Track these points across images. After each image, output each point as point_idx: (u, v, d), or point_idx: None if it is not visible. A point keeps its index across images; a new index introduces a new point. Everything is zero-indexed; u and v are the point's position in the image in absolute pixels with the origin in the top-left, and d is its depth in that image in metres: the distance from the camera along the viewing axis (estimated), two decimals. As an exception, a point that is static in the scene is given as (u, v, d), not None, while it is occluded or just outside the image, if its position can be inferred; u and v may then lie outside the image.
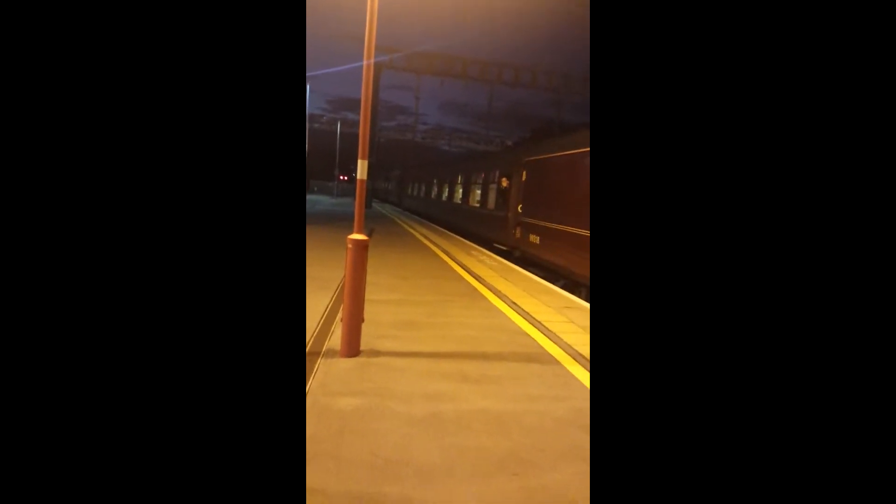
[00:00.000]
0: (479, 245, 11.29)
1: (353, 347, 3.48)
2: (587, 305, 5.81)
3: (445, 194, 17.44)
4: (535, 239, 9.01)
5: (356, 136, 3.54)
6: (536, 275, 7.89)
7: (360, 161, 3.52)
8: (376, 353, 3.58)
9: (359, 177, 3.54)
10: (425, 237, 12.42)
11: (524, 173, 9.71)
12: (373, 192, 28.74)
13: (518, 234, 9.75)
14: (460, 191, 15.20)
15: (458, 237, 13.08)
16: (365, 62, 3.44)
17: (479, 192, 13.23)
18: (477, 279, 6.96)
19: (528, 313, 5.17)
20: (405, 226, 15.72)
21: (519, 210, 9.75)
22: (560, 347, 4.06)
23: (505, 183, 10.69)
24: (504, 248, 10.52)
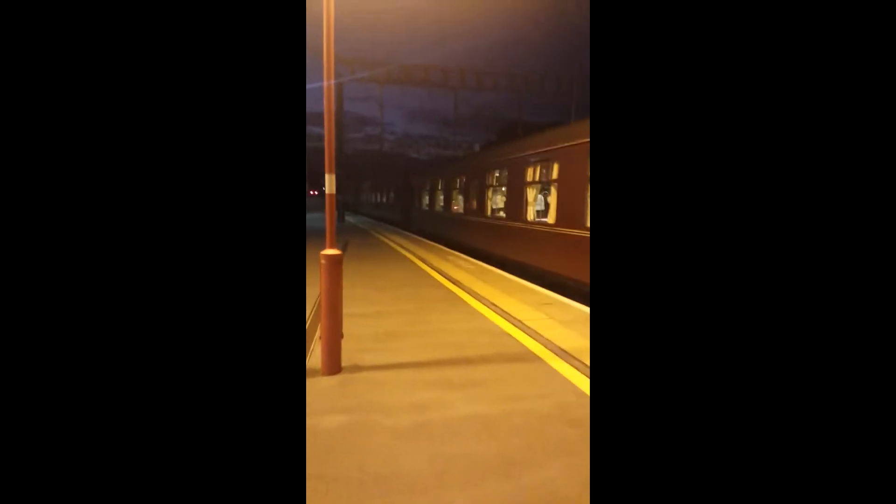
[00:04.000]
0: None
1: (334, 365, 3.44)
2: (565, 301, 5.87)
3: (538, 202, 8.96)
4: None
5: (323, 150, 3.51)
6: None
7: (327, 175, 3.49)
8: (358, 369, 3.54)
9: (327, 191, 3.51)
10: (401, 246, 12.37)
11: None
12: (344, 205, 28.50)
13: None
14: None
15: (434, 244, 12.96)
16: (325, 83, 3.42)
17: None
18: (455, 283, 6.97)
19: (507, 313, 5.19)
20: (379, 237, 15.64)
21: None
22: (541, 344, 4.09)
23: None
24: None
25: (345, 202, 29.94)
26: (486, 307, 5.50)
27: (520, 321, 4.87)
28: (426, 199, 16.38)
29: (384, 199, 25.82)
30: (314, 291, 6.01)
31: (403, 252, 11.09)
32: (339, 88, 24.03)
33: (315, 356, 3.71)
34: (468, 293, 6.29)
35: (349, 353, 3.80)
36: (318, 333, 3.97)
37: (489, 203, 10.62)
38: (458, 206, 12.68)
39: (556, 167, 7.64)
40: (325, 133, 3.44)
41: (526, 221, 8.59)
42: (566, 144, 7.34)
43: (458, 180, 12.80)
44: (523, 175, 8.68)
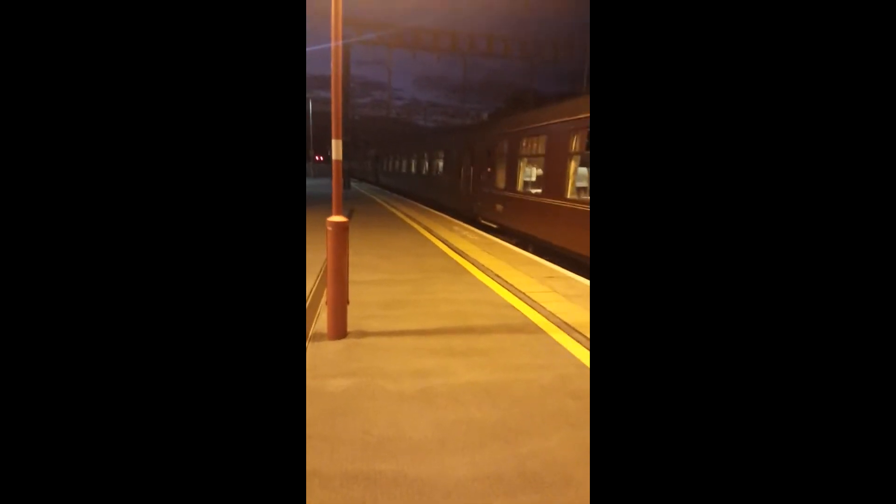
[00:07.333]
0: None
1: (339, 329, 3.48)
2: (569, 274, 5.89)
3: None
4: None
5: (330, 114, 3.46)
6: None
7: (334, 141, 3.45)
8: (363, 334, 3.59)
9: (334, 157, 3.47)
10: (407, 215, 12.35)
11: None
12: (349, 172, 28.20)
13: None
14: None
15: (440, 213, 12.92)
16: (333, 44, 3.34)
17: None
18: (460, 254, 6.98)
19: (511, 285, 5.21)
20: (386, 205, 15.59)
21: None
22: (544, 317, 4.12)
23: None
24: None
25: (349, 169, 29.31)
26: (490, 278, 5.53)
27: (524, 293, 4.89)
28: (522, 173, 9.27)
29: (423, 169, 17.37)
30: (321, 256, 6.03)
31: (408, 221, 11.07)
32: (347, 51, 23.50)
33: (321, 321, 3.75)
34: (473, 264, 6.31)
35: (355, 319, 3.85)
36: (324, 299, 4.01)
37: None
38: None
39: None
40: (331, 97, 3.38)
41: None
42: None
43: None
44: None
